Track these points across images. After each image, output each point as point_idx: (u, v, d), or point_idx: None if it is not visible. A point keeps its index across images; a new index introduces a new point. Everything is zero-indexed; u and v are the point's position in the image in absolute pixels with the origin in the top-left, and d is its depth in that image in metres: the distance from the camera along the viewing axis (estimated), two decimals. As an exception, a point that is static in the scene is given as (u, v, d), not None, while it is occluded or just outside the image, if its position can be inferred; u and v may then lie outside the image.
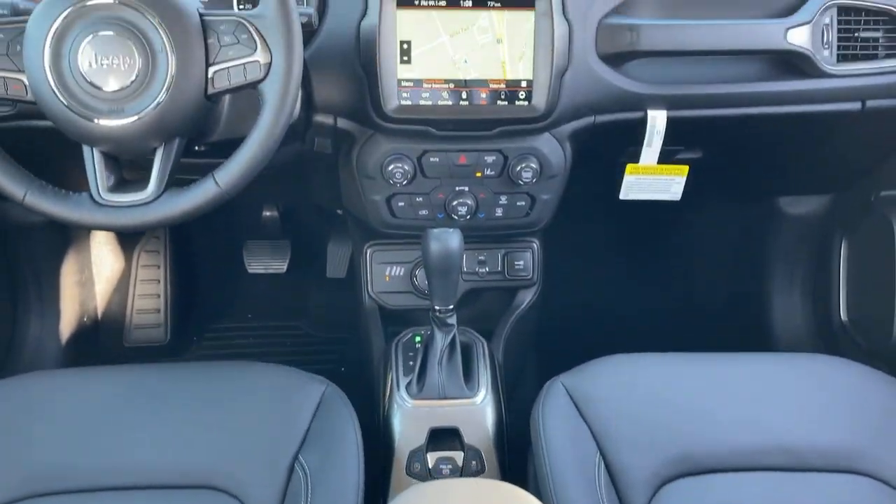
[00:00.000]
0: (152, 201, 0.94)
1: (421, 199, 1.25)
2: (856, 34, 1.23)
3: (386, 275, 1.36)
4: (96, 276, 1.74)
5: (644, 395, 1.03)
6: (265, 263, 1.90)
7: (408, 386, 1.13)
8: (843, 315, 1.54)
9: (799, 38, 1.19)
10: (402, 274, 1.36)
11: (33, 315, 1.59)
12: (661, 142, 1.24)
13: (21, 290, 1.57)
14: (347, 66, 1.14)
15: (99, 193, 0.94)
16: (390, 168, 1.20)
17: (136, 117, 0.91)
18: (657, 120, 1.22)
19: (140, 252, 1.81)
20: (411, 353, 1.19)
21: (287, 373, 1.09)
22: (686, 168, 1.31)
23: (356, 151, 1.22)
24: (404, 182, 1.21)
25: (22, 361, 1.55)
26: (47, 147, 1.08)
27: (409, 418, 1.09)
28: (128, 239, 1.80)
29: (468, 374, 1.15)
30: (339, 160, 1.29)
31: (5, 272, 1.53)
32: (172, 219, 0.94)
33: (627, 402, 1.02)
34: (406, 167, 1.20)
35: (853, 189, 1.52)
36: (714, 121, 1.26)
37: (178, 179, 0.97)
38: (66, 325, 1.63)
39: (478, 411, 1.11)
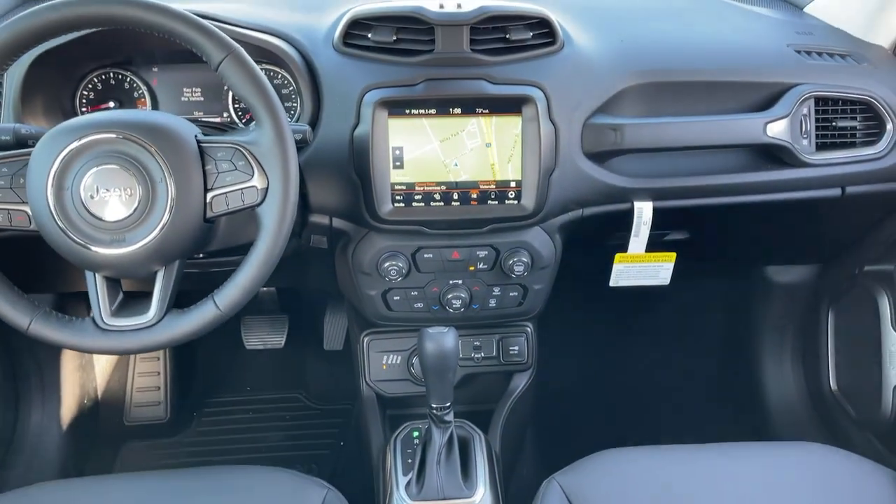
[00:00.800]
0: (155, 324, 0.97)
1: (416, 292, 1.28)
2: (833, 123, 1.28)
3: (383, 363, 1.39)
4: (95, 358, 1.76)
5: (640, 495, 1.04)
6: (263, 339, 1.93)
7: (407, 486, 1.15)
8: (833, 384, 1.57)
9: (778, 130, 1.23)
10: (398, 362, 1.38)
11: (34, 403, 1.61)
12: (648, 231, 1.27)
13: (22, 381, 1.59)
14: (342, 172, 1.17)
15: (102, 318, 0.97)
16: (385, 265, 1.23)
17: (137, 245, 0.94)
18: (644, 211, 1.25)
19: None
20: (409, 451, 1.21)
21: (288, 478, 1.10)
22: (674, 255, 1.34)
23: (351, 249, 1.25)
24: (399, 278, 1.24)
25: (25, 449, 1.57)
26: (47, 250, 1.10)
27: (410, 520, 1.11)
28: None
29: (466, 470, 1.17)
30: (336, 254, 1.32)
31: (7, 363, 1.55)
32: (175, 341, 0.97)
33: (623, 501, 1.04)
34: (400, 264, 1.23)
35: (839, 261, 1.56)
36: (699, 209, 1.29)
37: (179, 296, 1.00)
38: (67, 409, 1.65)
39: (476, 510, 1.13)
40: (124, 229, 0.94)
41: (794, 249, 1.57)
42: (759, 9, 1.48)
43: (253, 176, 0.96)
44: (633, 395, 1.81)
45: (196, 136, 0.97)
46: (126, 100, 1.28)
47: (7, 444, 1.55)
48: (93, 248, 0.94)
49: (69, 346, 0.96)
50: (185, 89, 1.30)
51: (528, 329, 1.40)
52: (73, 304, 1.67)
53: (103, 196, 0.93)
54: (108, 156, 0.93)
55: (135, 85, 1.28)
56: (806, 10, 1.50)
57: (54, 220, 0.93)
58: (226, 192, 0.96)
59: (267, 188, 0.96)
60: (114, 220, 0.93)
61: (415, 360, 1.37)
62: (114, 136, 0.94)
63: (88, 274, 0.98)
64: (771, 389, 1.72)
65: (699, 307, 1.88)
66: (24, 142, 1.08)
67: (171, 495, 1.06)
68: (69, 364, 1.67)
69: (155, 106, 1.29)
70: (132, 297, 1.01)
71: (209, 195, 0.96)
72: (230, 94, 1.29)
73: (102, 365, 1.79)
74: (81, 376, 1.71)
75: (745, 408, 1.74)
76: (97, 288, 0.97)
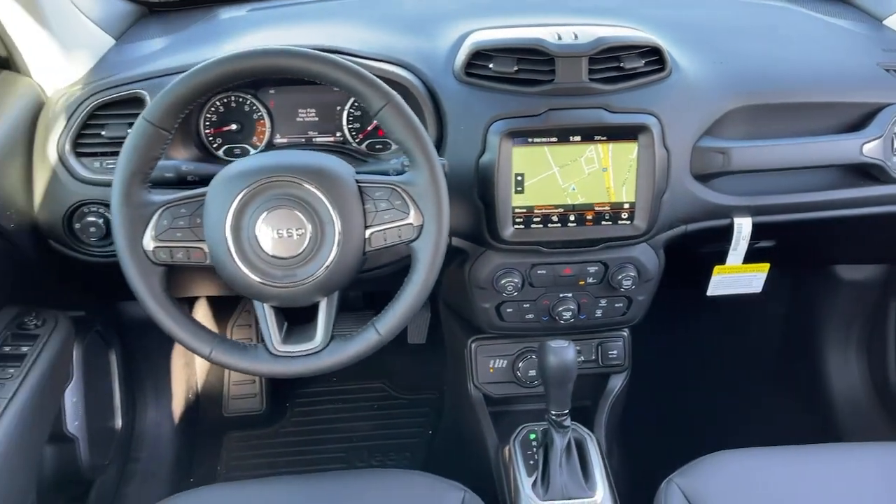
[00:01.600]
0: (321, 350, 1.06)
1: (528, 305, 1.36)
2: (922, 141, 1.34)
3: (490, 367, 1.48)
4: (196, 357, 1.86)
5: (757, 498, 1.13)
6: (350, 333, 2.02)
7: (533, 486, 1.25)
8: None
9: (872, 149, 1.30)
10: (504, 366, 1.48)
11: (149, 401, 1.71)
12: (746, 245, 1.35)
13: (138, 383, 1.70)
14: (465, 196, 1.24)
15: (273, 345, 1.05)
16: (502, 281, 1.31)
17: (306, 280, 1.02)
18: (743, 227, 1.33)
19: (233, 327, 1.93)
20: (529, 452, 1.31)
21: (426, 481, 1.18)
22: (767, 266, 1.42)
23: (468, 266, 1.33)
24: (514, 293, 1.32)
25: (144, 443, 1.68)
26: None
27: (539, 519, 1.22)
28: (222, 316, 1.92)
29: (584, 471, 1.27)
30: (449, 269, 1.40)
31: (126, 369, 1.65)
32: (340, 365, 1.06)
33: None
34: (516, 280, 1.31)
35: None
36: (793, 222, 1.37)
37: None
38: (177, 404, 1.76)
39: (598, 509, 1.23)
40: (296, 265, 1.02)
41: (869, 252, 1.64)
42: (841, 21, 1.53)
43: (409, 214, 1.04)
44: (707, 392, 1.90)
45: (355, 177, 1.05)
46: (246, 121, 1.35)
47: (129, 440, 1.66)
48: (266, 282, 1.02)
49: (247, 371, 1.05)
50: (300, 110, 1.37)
51: (626, 334, 1.49)
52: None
53: (277, 236, 1.01)
54: (280, 198, 1.01)
55: (254, 107, 1.35)
56: (885, 22, 1.55)
57: (233, 258, 1.01)
58: (384, 229, 1.04)
59: (422, 225, 1.04)
60: (287, 256, 1.01)
61: (521, 363, 1.46)
62: (286, 179, 1.01)
63: (257, 304, 1.06)
64: (836, 383, 1.81)
65: (766, 303, 1.97)
66: (184, 178, 1.16)
67: (318, 498, 1.16)
68: (177, 363, 1.77)
69: (273, 126, 1.36)
70: (293, 325, 1.09)
71: (368, 231, 1.04)
72: (344, 114, 1.35)
73: (202, 361, 1.89)
74: (186, 373, 1.82)
75: (810, 401, 1.84)
76: (267, 317, 1.06)
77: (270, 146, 1.35)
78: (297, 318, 1.12)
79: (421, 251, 1.04)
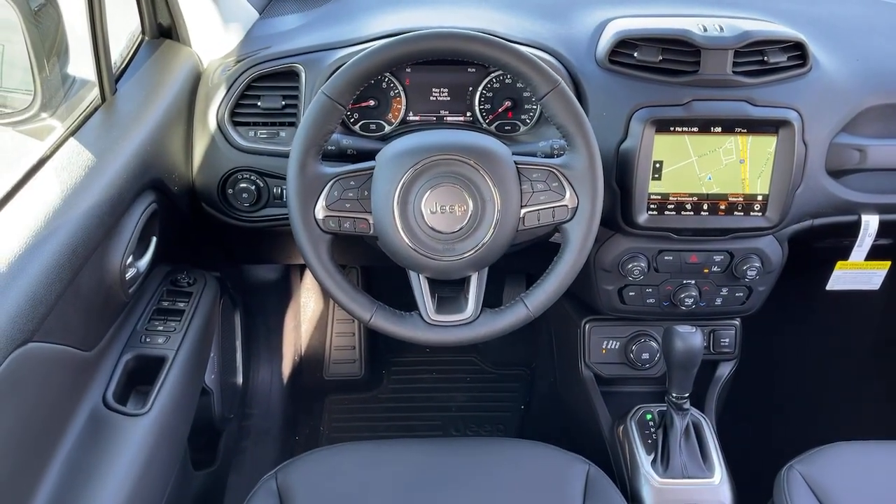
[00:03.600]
0: (473, 321, 1.11)
1: (650, 290, 1.39)
2: None
3: (603, 348, 1.52)
4: (303, 320, 1.94)
5: (878, 489, 1.16)
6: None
7: (653, 464, 1.29)
8: None
9: None
10: (617, 347, 1.52)
11: (263, 361, 1.80)
12: (871, 242, 1.37)
13: (254, 343, 1.78)
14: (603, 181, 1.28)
15: (428, 315, 1.11)
16: (629, 266, 1.35)
17: (464, 255, 1.07)
18: (871, 224, 1.35)
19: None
20: (647, 432, 1.35)
21: (553, 452, 1.23)
22: (888, 263, 1.43)
23: (595, 248, 1.37)
24: (640, 277, 1.36)
25: (258, 403, 1.76)
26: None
27: (659, 496, 1.26)
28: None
29: (703, 453, 1.31)
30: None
31: (245, 328, 1.73)
32: (490, 336, 1.11)
33: (863, 495, 1.15)
34: (642, 265, 1.35)
35: None
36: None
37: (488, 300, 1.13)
38: (286, 366, 1.84)
39: (718, 491, 1.26)
40: (455, 240, 1.07)
41: None
42: None
43: (565, 196, 1.08)
44: (813, 381, 1.92)
45: (514, 158, 1.09)
46: (383, 98, 1.40)
47: (244, 396, 1.75)
48: (426, 254, 1.07)
49: (404, 337, 1.11)
50: (433, 89, 1.41)
51: (737, 323, 1.52)
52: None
53: (440, 211, 1.06)
54: (445, 176, 1.06)
55: (392, 84, 1.39)
56: None
57: (398, 230, 1.06)
58: (539, 210, 1.08)
59: (576, 207, 1.08)
60: (449, 231, 1.06)
61: (634, 346, 1.50)
62: (451, 157, 1.06)
63: (413, 275, 1.12)
64: None
65: (881, 297, 1.96)
66: (344, 152, 1.21)
67: (453, 461, 1.21)
68: (289, 324, 1.85)
69: (408, 104, 1.40)
70: (445, 297, 1.15)
71: (523, 210, 1.08)
72: (476, 95, 1.38)
73: (307, 325, 1.97)
74: (295, 336, 1.90)
75: None
76: (422, 288, 1.11)
77: (404, 123, 1.39)
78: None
79: (573, 232, 1.08)
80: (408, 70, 1.40)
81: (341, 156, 1.21)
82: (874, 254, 1.46)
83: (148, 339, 1.17)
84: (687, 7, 1.42)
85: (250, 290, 1.72)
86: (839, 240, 1.41)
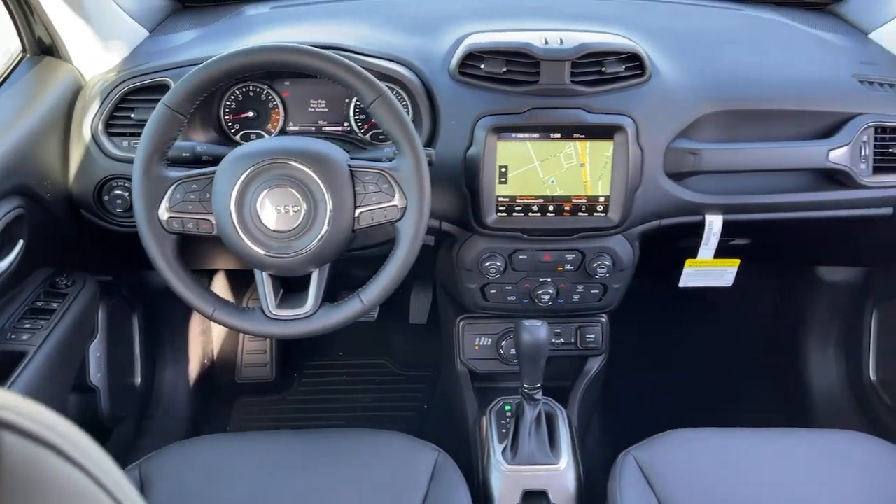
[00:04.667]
0: (311, 315, 1.18)
1: (510, 287, 1.47)
2: (890, 150, 1.42)
3: (476, 344, 1.60)
4: (213, 326, 2.01)
5: (705, 471, 1.22)
6: (357, 312, 2.17)
7: (503, 452, 1.37)
8: (872, 375, 1.75)
9: (839, 156, 1.38)
10: (489, 343, 1.59)
11: (168, 363, 1.87)
12: (717, 241, 1.45)
13: (158, 346, 1.86)
14: (454, 185, 1.36)
15: (269, 309, 1.19)
16: (486, 264, 1.43)
17: (300, 252, 1.15)
18: (714, 223, 1.42)
19: (248, 301, 2.08)
20: (503, 422, 1.43)
21: (405, 441, 1.30)
22: (738, 261, 1.51)
23: (456, 249, 1.45)
24: (497, 276, 1.44)
25: (161, 404, 1.83)
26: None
27: (505, 481, 1.33)
28: (238, 291, 2.07)
29: (552, 441, 1.38)
30: (440, 252, 1.52)
31: (147, 331, 1.80)
32: (327, 329, 1.19)
33: (690, 476, 1.22)
34: (498, 263, 1.43)
35: (888, 266, 1.71)
36: (761, 222, 1.46)
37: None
38: (193, 369, 1.91)
39: (562, 475, 1.33)
40: (291, 238, 1.15)
41: (846, 255, 1.72)
42: (827, 34, 1.61)
43: (394, 197, 1.16)
44: (689, 378, 2.00)
45: (348, 162, 1.17)
46: (262, 110, 1.48)
47: (147, 397, 1.82)
48: (264, 253, 1.15)
49: (243, 330, 1.19)
50: (311, 101, 1.49)
51: (604, 319, 1.60)
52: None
53: (275, 211, 1.14)
54: (279, 178, 1.14)
55: (270, 97, 1.48)
56: (870, 35, 1.63)
57: (236, 230, 1.14)
58: (372, 210, 1.16)
59: (405, 207, 1.16)
60: (283, 230, 1.14)
61: (504, 342, 1.58)
62: (285, 161, 1.14)
63: (257, 272, 1.20)
64: (815, 378, 1.89)
65: (752, 299, 2.05)
66: (199, 158, 1.30)
67: (312, 451, 1.28)
68: (195, 330, 1.92)
69: (286, 115, 1.49)
70: (289, 292, 1.22)
71: (357, 210, 1.16)
72: (351, 106, 1.47)
73: (219, 330, 2.04)
74: (203, 340, 1.97)
75: (790, 393, 1.92)
76: (265, 284, 1.19)
77: (283, 133, 1.48)
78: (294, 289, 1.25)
79: (404, 230, 1.16)
80: (286, 83, 1.49)
81: (196, 161, 1.29)
82: (737, 255, 1.55)
83: (13, 336, 1.25)
84: (552, 22, 1.52)
85: (154, 295, 1.79)
86: (695, 240, 1.50)
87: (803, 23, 1.65)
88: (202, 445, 1.29)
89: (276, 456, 1.27)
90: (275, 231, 1.15)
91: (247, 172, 1.14)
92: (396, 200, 1.16)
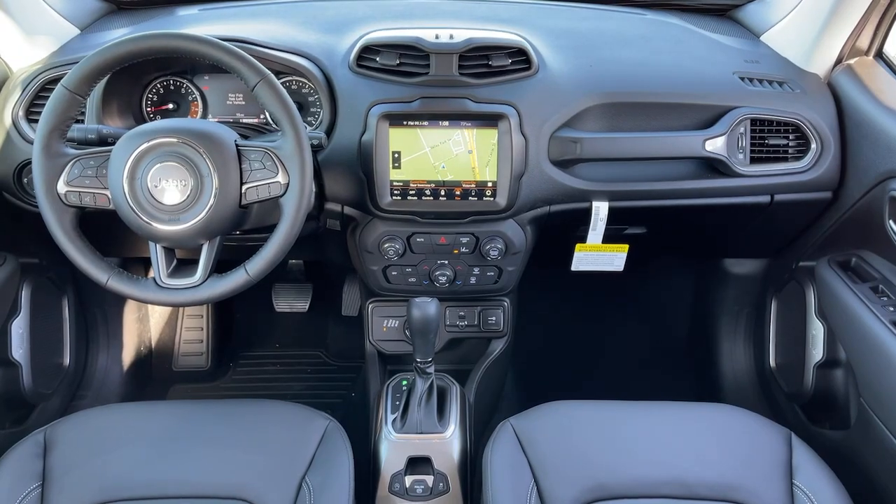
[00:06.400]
0: (200, 285, 1.26)
1: (409, 269, 1.56)
2: (766, 141, 1.51)
3: (384, 326, 1.68)
4: (150, 312, 2.09)
5: (575, 436, 1.30)
6: (291, 303, 2.24)
7: (393, 422, 1.44)
8: (772, 362, 1.82)
9: (715, 145, 1.47)
10: (396, 326, 1.67)
11: (101, 347, 1.94)
12: (604, 226, 1.53)
13: (92, 330, 1.93)
14: (351, 169, 1.45)
15: (161, 279, 1.27)
16: (385, 246, 1.51)
17: (189, 224, 1.23)
18: (600, 210, 1.51)
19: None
20: (398, 395, 1.50)
21: (300, 410, 1.38)
22: (626, 247, 1.59)
23: (358, 232, 1.54)
24: (396, 258, 1.52)
25: (92, 385, 1.90)
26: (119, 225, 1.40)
27: (392, 448, 1.40)
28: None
29: (442, 412, 1.45)
30: (347, 236, 1.61)
31: (80, 314, 1.88)
32: (214, 298, 1.26)
33: (561, 441, 1.30)
34: (397, 246, 1.51)
35: (780, 256, 1.80)
36: (650, 209, 1.54)
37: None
38: (127, 355, 1.99)
39: (447, 443, 1.40)
40: (179, 211, 1.23)
41: (741, 245, 1.81)
42: (720, 36, 1.71)
43: (277, 174, 1.24)
44: (608, 366, 2.07)
45: (235, 141, 1.26)
46: (182, 102, 1.58)
47: (79, 380, 1.89)
48: (155, 224, 1.23)
49: (135, 298, 1.26)
50: (230, 94, 1.59)
51: (506, 303, 1.67)
52: (134, 266, 2.00)
53: (164, 185, 1.21)
54: (168, 155, 1.22)
55: (190, 90, 1.57)
56: (762, 38, 1.72)
57: (128, 202, 1.22)
58: (256, 186, 1.24)
59: (288, 184, 1.24)
60: (171, 204, 1.22)
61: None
62: (173, 140, 1.22)
63: (151, 244, 1.28)
64: (725, 366, 1.97)
65: (671, 291, 2.13)
66: (105, 140, 1.38)
67: (210, 418, 1.35)
68: (130, 316, 2.00)
69: (206, 108, 1.58)
70: (183, 263, 1.30)
71: (244, 187, 1.24)
72: None
73: (156, 319, 2.12)
74: (139, 327, 2.05)
75: (702, 382, 1.99)
76: (157, 255, 1.27)
77: None
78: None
79: (286, 205, 1.24)
80: (206, 77, 1.58)
81: (102, 143, 1.38)
82: (631, 243, 1.62)
83: None
84: (459, 22, 1.61)
85: (85, 278, 1.87)
86: (587, 227, 1.57)
87: (703, 27, 1.74)
88: (109, 412, 1.37)
89: (177, 422, 1.34)
90: (164, 204, 1.22)
91: (139, 149, 1.22)
92: (279, 177, 1.24)
